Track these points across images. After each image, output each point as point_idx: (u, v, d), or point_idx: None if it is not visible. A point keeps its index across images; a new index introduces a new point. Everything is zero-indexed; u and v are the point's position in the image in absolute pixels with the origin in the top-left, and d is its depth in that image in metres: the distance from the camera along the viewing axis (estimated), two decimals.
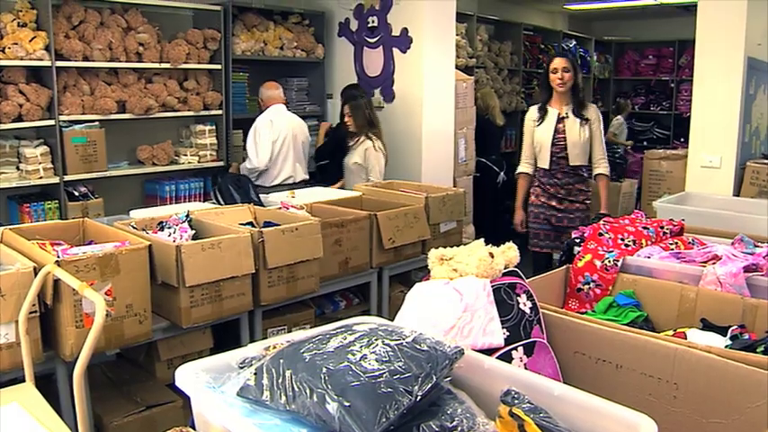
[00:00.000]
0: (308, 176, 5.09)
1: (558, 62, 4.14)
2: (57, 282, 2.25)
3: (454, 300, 1.64)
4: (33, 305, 2.19)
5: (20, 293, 2.19)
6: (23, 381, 2.09)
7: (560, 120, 4.13)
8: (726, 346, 1.79)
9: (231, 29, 5.24)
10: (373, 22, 5.56)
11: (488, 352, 1.57)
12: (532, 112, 4.30)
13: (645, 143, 9.43)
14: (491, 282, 1.69)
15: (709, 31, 4.44)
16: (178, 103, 4.97)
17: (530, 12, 8.98)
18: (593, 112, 4.14)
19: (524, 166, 4.35)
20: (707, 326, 2.00)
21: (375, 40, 5.58)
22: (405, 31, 5.33)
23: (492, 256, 1.73)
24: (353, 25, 5.76)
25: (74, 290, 2.09)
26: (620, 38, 10.33)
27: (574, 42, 9.20)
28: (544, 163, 4.20)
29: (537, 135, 4.20)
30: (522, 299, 1.74)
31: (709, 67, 4.45)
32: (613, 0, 8.28)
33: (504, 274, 1.76)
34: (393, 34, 5.42)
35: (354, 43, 5.77)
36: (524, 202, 4.37)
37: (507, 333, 1.64)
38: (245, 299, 2.87)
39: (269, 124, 4.81)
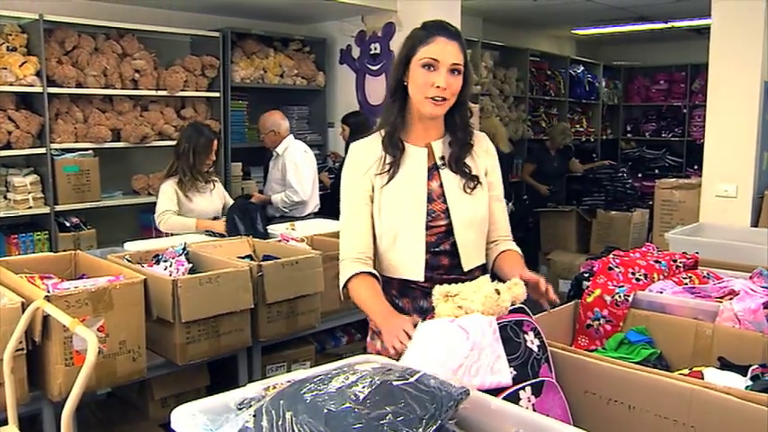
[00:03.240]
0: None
1: (443, 49, 1.91)
2: (46, 318, 2.18)
3: (461, 338, 1.60)
4: (20, 342, 2.12)
5: (6, 330, 2.12)
6: (6, 423, 2.02)
7: (433, 171, 2.05)
8: (746, 387, 1.72)
9: (230, 56, 5.25)
10: (376, 48, 5.55)
11: (494, 392, 1.52)
12: (360, 153, 2.07)
13: (656, 171, 9.31)
14: (497, 319, 1.64)
15: (724, 54, 4.31)
16: (175, 131, 4.94)
17: (536, 37, 8.92)
18: (485, 152, 2.13)
19: (352, 263, 2.03)
20: (725, 365, 1.92)
21: (377, 67, 5.56)
22: None
23: (498, 293, 1.69)
24: (355, 52, 5.75)
25: (64, 326, 2.03)
26: (630, 63, 10.20)
27: (582, 68, 9.16)
28: (413, 271, 2.04)
29: (387, 204, 2.02)
30: (530, 336, 1.69)
31: (723, 92, 4.32)
32: (622, 24, 8.21)
33: (511, 311, 1.71)
34: None
35: (356, 71, 5.76)
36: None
37: (514, 372, 1.59)
38: (244, 335, 2.81)
39: (305, 155, 4.75)
